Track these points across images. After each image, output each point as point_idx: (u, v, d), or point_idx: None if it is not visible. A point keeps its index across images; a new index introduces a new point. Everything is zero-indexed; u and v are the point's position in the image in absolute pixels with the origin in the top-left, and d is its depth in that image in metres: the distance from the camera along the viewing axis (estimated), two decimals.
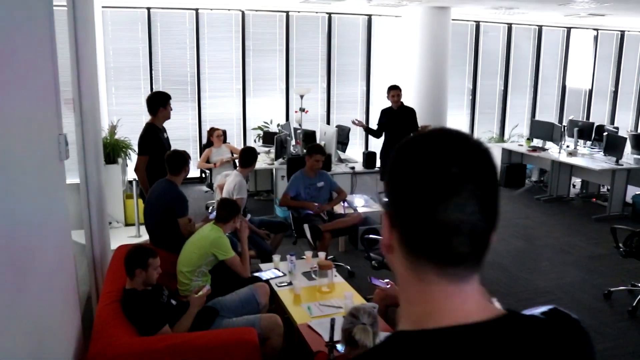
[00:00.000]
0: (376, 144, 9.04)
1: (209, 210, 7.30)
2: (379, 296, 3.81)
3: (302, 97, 7.05)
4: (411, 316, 0.78)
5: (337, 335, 2.65)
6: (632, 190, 7.86)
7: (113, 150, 6.54)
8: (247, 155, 5.22)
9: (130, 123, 7.91)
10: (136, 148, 5.00)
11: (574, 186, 9.07)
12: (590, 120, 10.28)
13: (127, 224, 6.64)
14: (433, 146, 0.75)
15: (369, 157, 7.13)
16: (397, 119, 6.62)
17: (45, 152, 2.41)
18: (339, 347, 2.74)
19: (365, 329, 2.45)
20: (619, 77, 12.40)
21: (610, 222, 7.38)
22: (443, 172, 0.72)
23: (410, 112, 6.65)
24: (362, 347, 2.41)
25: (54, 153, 2.58)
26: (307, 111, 7.30)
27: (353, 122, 7.10)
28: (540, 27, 11.31)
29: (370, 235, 4.76)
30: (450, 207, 0.72)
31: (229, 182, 5.25)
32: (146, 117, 5.08)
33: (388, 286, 3.81)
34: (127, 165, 7.27)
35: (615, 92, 12.47)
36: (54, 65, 2.62)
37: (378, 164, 7.14)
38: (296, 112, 7.37)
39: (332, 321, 2.69)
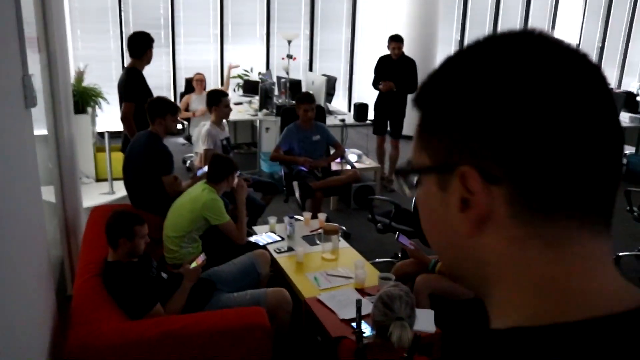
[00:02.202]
0: (363, 96, 8.60)
1: (187, 165, 6.79)
2: (416, 266, 3.39)
3: (289, 42, 6.48)
4: (529, 306, 0.53)
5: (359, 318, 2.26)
6: (627, 150, 7.67)
7: (81, 99, 5.91)
8: (213, 94, 4.80)
9: (99, 70, 7.23)
10: (116, 95, 4.56)
11: None
12: None
13: (98, 180, 6.09)
14: (532, 56, 0.54)
15: (360, 108, 6.67)
16: (395, 70, 6.12)
17: (7, 97, 1.90)
18: (367, 329, 2.37)
19: (404, 325, 2.06)
20: (607, 33, 12.09)
21: None
22: (562, 87, 0.52)
23: (410, 64, 6.15)
24: (399, 346, 2.03)
25: (18, 99, 2.06)
26: (295, 58, 6.75)
27: (380, 89, 6.27)
28: None
29: (377, 196, 4.37)
30: (582, 129, 0.52)
31: (199, 132, 4.85)
32: (116, 63, 4.56)
33: (412, 247, 3.43)
34: (96, 116, 6.65)
35: (602, 48, 12.19)
36: None
37: (371, 116, 6.69)
38: (283, 59, 6.81)
39: (359, 303, 2.28)
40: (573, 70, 0.54)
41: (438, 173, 0.58)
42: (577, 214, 0.53)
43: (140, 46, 4.43)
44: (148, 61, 4.53)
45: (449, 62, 0.59)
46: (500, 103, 0.52)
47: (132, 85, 4.39)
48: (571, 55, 0.55)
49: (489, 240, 0.55)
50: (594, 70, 0.55)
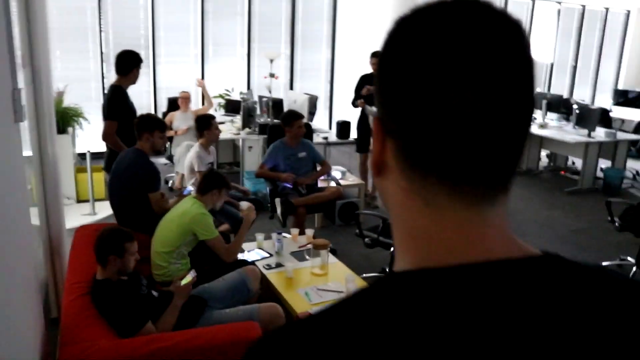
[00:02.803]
0: (343, 114, 8.66)
1: (169, 184, 6.73)
2: None
3: (271, 61, 6.52)
4: (411, 252, 0.58)
5: None
6: (601, 163, 7.82)
7: (62, 119, 5.84)
8: (203, 120, 4.86)
9: (79, 90, 7.17)
10: (97, 115, 4.47)
11: (540, 159, 8.96)
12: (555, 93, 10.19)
13: (79, 201, 6.00)
14: (443, 18, 0.55)
15: (343, 127, 6.71)
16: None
17: None
18: None
19: None
20: (579, 52, 12.40)
21: (582, 195, 7.32)
22: (459, 48, 0.53)
23: None
24: None
25: (7, 112, 2.03)
26: (277, 77, 6.79)
27: (357, 105, 6.32)
28: None
29: (363, 211, 4.37)
30: (469, 96, 0.52)
31: (189, 155, 4.88)
32: (96, 83, 4.52)
33: None
34: (77, 136, 6.57)
35: (575, 67, 12.49)
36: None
37: (354, 135, 6.73)
38: (265, 77, 6.84)
39: None
40: (480, 40, 0.53)
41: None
42: (448, 182, 0.55)
43: (127, 64, 4.40)
44: (134, 81, 4.49)
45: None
46: (400, 64, 0.56)
47: (114, 104, 4.35)
48: (489, 26, 0.54)
49: (390, 185, 0.60)
50: (511, 42, 0.55)
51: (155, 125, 3.75)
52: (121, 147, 4.25)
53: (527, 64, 0.55)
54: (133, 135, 3.77)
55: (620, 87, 12.08)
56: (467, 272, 0.53)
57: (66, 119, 5.92)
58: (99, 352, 2.15)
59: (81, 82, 7.58)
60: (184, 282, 2.79)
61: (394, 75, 0.56)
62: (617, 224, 4.67)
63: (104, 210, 4.47)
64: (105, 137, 4.33)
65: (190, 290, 2.83)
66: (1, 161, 1.90)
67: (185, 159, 5.11)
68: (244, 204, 4.09)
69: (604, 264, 4.77)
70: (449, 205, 0.56)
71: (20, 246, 2.07)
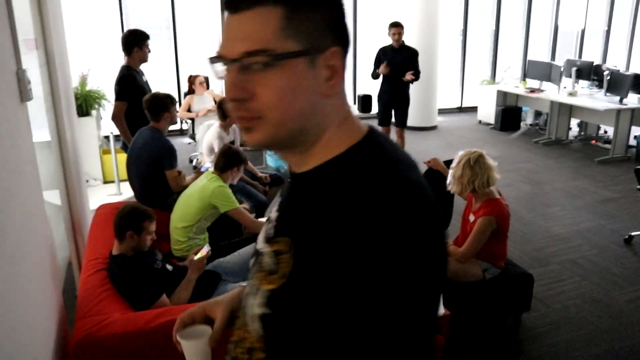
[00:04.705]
0: (365, 87, 8.56)
1: (193, 164, 6.80)
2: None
3: None
4: (342, 139, 0.84)
5: None
6: (634, 131, 7.56)
7: (85, 102, 5.93)
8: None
9: (103, 74, 7.25)
10: (112, 95, 4.50)
11: (570, 129, 8.73)
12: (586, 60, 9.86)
13: (105, 182, 6.12)
14: None
15: (364, 100, 6.65)
16: (397, 58, 6.07)
17: (1, 91, 1.89)
18: None
19: None
20: (612, 16, 11.94)
21: (614, 164, 7.11)
22: None
23: (412, 53, 6.10)
24: None
25: (12, 92, 2.06)
26: None
27: (378, 72, 6.19)
28: None
29: None
30: None
31: (210, 133, 4.87)
32: (120, 64, 4.55)
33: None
34: (101, 118, 6.68)
35: (608, 32, 12.04)
36: None
37: (375, 107, 6.66)
38: None
39: None
40: None
41: (311, 54, 0.78)
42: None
43: (127, 45, 4.44)
44: (142, 59, 4.50)
45: None
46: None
47: (122, 84, 4.38)
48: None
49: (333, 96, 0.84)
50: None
51: (170, 102, 3.78)
52: (125, 132, 4.29)
53: None
54: (144, 114, 3.79)
55: None
56: (377, 135, 0.88)
57: (89, 102, 6.00)
58: (112, 324, 2.20)
59: (104, 65, 7.68)
60: (198, 256, 2.82)
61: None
62: None
63: (130, 190, 4.57)
64: (113, 117, 4.39)
65: (205, 264, 2.87)
66: (8, 142, 1.93)
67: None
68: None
69: (633, 234, 4.65)
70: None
71: (32, 229, 2.11)
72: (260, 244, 0.93)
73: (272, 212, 0.95)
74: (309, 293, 0.75)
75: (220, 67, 0.80)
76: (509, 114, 8.99)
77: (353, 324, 0.72)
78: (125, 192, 5.63)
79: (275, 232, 0.88)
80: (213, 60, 0.81)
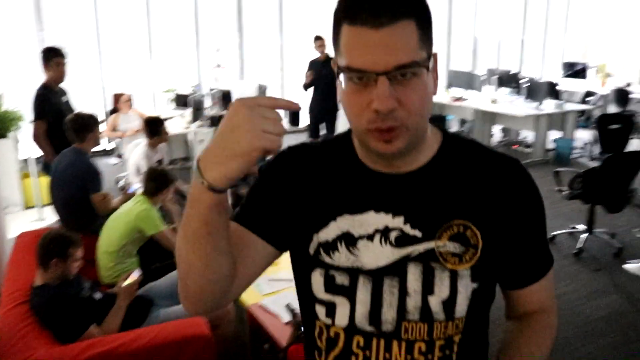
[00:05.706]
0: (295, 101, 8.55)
1: (120, 185, 6.58)
2: None
3: (218, 51, 6.42)
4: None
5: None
6: (552, 135, 7.98)
7: (1, 123, 5.63)
8: (153, 125, 4.74)
9: (19, 93, 6.91)
10: (30, 115, 4.32)
11: (492, 135, 9.08)
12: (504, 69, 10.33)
13: (26, 207, 5.81)
14: None
15: (294, 114, 6.66)
16: (324, 71, 6.15)
17: None
18: None
19: None
20: (525, 27, 12.60)
21: (535, 167, 7.45)
22: None
23: None
24: None
25: None
26: (223, 67, 6.70)
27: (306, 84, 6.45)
28: None
29: None
30: None
31: (136, 153, 4.79)
32: (37, 86, 4.38)
33: None
34: (18, 141, 6.34)
35: (523, 41, 12.68)
36: None
37: (304, 121, 6.70)
38: (214, 67, 6.74)
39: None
40: None
41: (432, 60, 0.89)
42: None
43: (43, 60, 4.27)
44: (59, 77, 4.34)
45: None
46: None
47: (36, 103, 4.21)
48: None
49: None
50: None
51: (94, 122, 3.66)
52: (48, 153, 4.12)
53: None
54: (65, 135, 3.64)
55: (567, 60, 12.32)
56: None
57: (6, 123, 5.70)
58: None
59: (22, 85, 7.32)
60: (127, 282, 2.72)
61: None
62: (564, 192, 4.77)
63: (53, 215, 4.35)
64: (34, 138, 4.21)
65: (136, 290, 2.76)
66: None
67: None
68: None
69: (554, 233, 4.88)
70: None
71: None
72: (390, 251, 0.99)
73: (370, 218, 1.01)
74: (503, 250, 1.01)
75: (343, 77, 0.87)
76: (434, 123, 9.21)
77: (538, 242, 1.10)
78: (48, 218, 5.37)
79: (421, 227, 0.97)
80: (348, 71, 0.86)
